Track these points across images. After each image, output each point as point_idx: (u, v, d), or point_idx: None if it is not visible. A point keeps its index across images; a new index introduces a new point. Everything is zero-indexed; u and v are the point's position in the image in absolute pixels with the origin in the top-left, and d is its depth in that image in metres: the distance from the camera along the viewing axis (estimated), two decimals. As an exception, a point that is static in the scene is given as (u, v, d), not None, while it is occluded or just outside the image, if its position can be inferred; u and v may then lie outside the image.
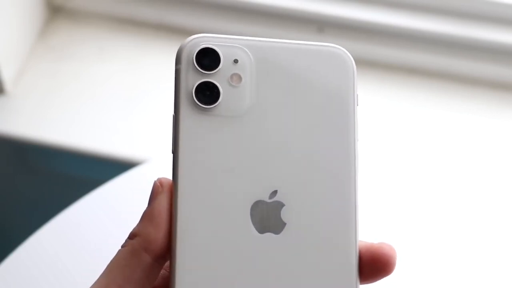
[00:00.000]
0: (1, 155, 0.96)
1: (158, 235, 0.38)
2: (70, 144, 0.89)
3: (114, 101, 0.91)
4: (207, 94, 0.39)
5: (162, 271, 0.41)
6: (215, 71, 0.39)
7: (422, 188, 0.73)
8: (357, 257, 0.38)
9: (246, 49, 0.39)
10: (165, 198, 0.38)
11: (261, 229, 0.38)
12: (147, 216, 0.38)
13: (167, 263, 0.40)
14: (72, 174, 0.96)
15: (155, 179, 0.39)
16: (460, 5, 0.90)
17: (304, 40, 0.40)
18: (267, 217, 0.38)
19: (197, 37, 0.39)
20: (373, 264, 0.38)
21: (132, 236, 0.39)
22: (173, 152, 0.39)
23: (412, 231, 0.68)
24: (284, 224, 0.38)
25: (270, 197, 0.38)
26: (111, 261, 0.39)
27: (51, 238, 0.64)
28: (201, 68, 0.39)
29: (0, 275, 0.62)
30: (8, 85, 0.92)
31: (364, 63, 0.91)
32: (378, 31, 0.92)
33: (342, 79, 0.39)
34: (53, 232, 0.65)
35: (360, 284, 0.39)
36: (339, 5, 0.92)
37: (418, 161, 0.78)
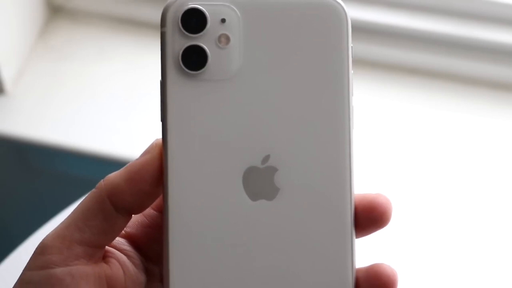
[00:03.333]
0: (1, 155, 0.96)
1: (126, 190, 0.37)
2: (70, 144, 0.89)
3: (114, 101, 0.91)
4: (194, 58, 0.37)
5: (142, 218, 0.40)
6: (201, 33, 0.37)
7: (423, 187, 0.73)
8: (352, 214, 0.38)
9: (233, 7, 0.38)
10: (151, 157, 0.38)
11: (254, 197, 0.37)
12: (127, 168, 0.38)
13: (148, 211, 0.40)
14: (72, 174, 0.96)
15: (157, 138, 0.39)
16: (460, 5, 0.90)
17: None
18: (260, 183, 0.37)
19: None
20: (369, 213, 0.38)
21: (105, 179, 0.38)
22: (161, 121, 0.38)
23: (412, 231, 0.68)
24: (278, 189, 0.37)
25: (263, 163, 0.38)
26: (80, 201, 0.38)
27: (51, 238, 0.64)
28: (187, 31, 0.37)
29: (0, 275, 0.62)
30: (8, 85, 0.92)
31: (364, 63, 0.91)
32: (378, 31, 0.91)
33: (334, 32, 0.38)
34: (53, 232, 0.65)
35: (357, 237, 0.38)
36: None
37: (418, 161, 0.78)
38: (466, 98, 0.90)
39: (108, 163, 0.88)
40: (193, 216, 0.37)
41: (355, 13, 0.91)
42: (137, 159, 0.38)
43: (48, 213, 0.67)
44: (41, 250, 0.38)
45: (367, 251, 0.45)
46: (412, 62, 0.92)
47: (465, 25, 0.90)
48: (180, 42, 0.37)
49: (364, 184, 0.71)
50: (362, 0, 0.92)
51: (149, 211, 0.41)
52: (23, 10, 0.93)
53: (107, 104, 0.91)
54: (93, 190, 0.38)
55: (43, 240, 0.38)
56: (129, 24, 0.97)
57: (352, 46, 0.38)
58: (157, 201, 0.39)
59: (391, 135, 0.86)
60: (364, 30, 0.91)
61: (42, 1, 0.97)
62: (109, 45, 0.96)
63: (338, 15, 0.38)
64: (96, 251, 0.38)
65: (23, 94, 0.92)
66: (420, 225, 0.68)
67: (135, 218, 0.40)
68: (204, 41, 0.38)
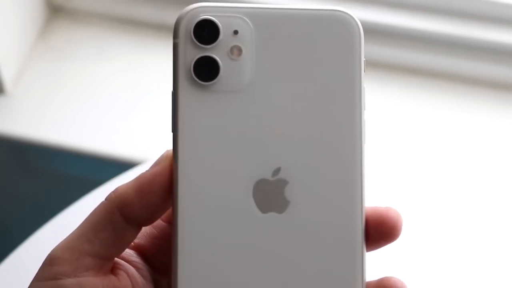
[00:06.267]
0: (1, 155, 0.96)
1: (136, 202, 0.37)
2: (70, 144, 0.89)
3: (114, 101, 0.91)
4: (206, 69, 0.37)
5: (151, 230, 0.40)
6: (214, 44, 0.37)
7: (424, 187, 0.73)
8: (362, 227, 0.37)
9: (246, 18, 0.37)
10: (161, 169, 0.38)
11: (264, 209, 0.37)
12: (137, 180, 0.38)
13: (157, 222, 0.40)
14: (72, 174, 0.96)
15: (168, 149, 0.38)
16: (460, 5, 0.90)
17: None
18: (270, 196, 0.37)
19: (195, 8, 0.38)
20: (379, 227, 0.38)
21: (115, 191, 0.38)
22: (172, 131, 0.38)
23: (412, 231, 0.68)
24: (288, 202, 0.37)
25: (273, 175, 0.37)
26: (90, 213, 0.38)
27: (51, 238, 0.64)
28: (200, 41, 0.37)
29: (0, 275, 0.62)
30: (8, 85, 0.92)
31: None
32: (378, 31, 0.91)
33: (347, 46, 0.38)
34: (53, 232, 0.65)
35: (367, 251, 0.38)
36: (339, 5, 0.92)
37: (419, 161, 0.78)
38: (466, 98, 0.90)
39: (108, 163, 0.88)
40: (202, 227, 0.37)
41: (355, 13, 0.91)
42: (147, 171, 0.38)
43: (48, 213, 0.67)
44: (50, 261, 0.38)
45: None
46: (412, 62, 0.92)
47: (465, 25, 0.90)
48: (192, 53, 0.37)
49: (365, 184, 0.71)
50: (362, 0, 0.92)
51: (158, 222, 0.40)
52: (23, 10, 0.93)
53: (107, 104, 0.91)
54: (103, 201, 0.38)
55: (52, 251, 0.38)
56: (129, 24, 0.97)
57: (364, 60, 0.38)
58: (166, 213, 0.39)
59: (391, 135, 0.86)
60: (364, 30, 0.91)
61: (42, 1, 0.97)
62: (109, 45, 0.96)
63: (351, 28, 0.38)
64: (105, 262, 0.38)
65: (23, 94, 0.92)
66: (419, 225, 0.68)
67: (144, 229, 0.40)
68: (216, 52, 0.37)
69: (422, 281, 0.64)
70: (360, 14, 0.91)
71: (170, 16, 0.96)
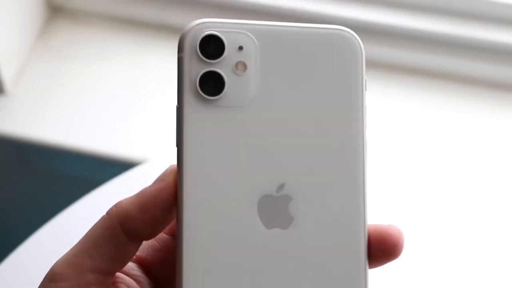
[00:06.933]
0: (1, 155, 0.96)
1: (138, 217, 0.37)
2: (70, 144, 0.89)
3: (114, 101, 0.91)
4: (212, 84, 0.37)
5: (153, 242, 0.40)
6: (219, 59, 0.38)
7: (424, 188, 0.73)
8: (365, 245, 0.38)
9: (251, 35, 0.38)
10: (165, 185, 0.38)
11: (269, 225, 0.37)
12: (141, 195, 0.38)
13: (159, 235, 0.40)
14: (72, 174, 0.96)
15: (172, 164, 0.38)
16: (460, 5, 0.90)
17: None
18: (275, 212, 0.37)
19: (200, 23, 0.38)
20: (381, 244, 0.38)
21: (116, 205, 0.38)
22: (177, 146, 0.38)
23: (412, 231, 0.68)
24: (292, 218, 0.37)
25: (278, 191, 0.37)
26: (91, 227, 0.38)
27: (51, 238, 0.64)
28: (205, 56, 0.37)
29: (0, 275, 0.62)
30: (8, 85, 0.92)
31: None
32: (378, 31, 0.92)
33: (349, 64, 0.38)
34: (53, 232, 0.65)
35: (369, 268, 0.38)
36: (339, 5, 0.92)
37: (418, 161, 0.78)
38: (466, 98, 0.90)
39: (108, 163, 0.88)
40: (207, 243, 0.37)
41: (355, 13, 0.91)
42: (151, 186, 0.38)
43: (48, 213, 0.67)
44: (51, 276, 0.37)
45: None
46: (412, 62, 0.92)
47: (465, 25, 0.90)
48: (197, 67, 0.38)
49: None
50: (362, 0, 0.92)
51: (160, 235, 0.40)
52: (23, 10, 0.93)
53: (107, 104, 0.91)
54: (104, 216, 0.38)
55: (54, 266, 0.38)
56: (129, 24, 0.97)
57: (366, 79, 0.39)
58: (169, 225, 0.39)
59: (391, 135, 0.86)
60: (364, 30, 0.91)
61: (42, 1, 0.97)
62: (109, 45, 0.96)
63: (353, 47, 0.38)
64: (107, 278, 0.38)
65: (23, 94, 0.92)
66: (419, 225, 0.68)
67: (146, 242, 0.40)
68: (221, 67, 0.38)
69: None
70: (360, 14, 0.91)
71: (170, 16, 0.96)
